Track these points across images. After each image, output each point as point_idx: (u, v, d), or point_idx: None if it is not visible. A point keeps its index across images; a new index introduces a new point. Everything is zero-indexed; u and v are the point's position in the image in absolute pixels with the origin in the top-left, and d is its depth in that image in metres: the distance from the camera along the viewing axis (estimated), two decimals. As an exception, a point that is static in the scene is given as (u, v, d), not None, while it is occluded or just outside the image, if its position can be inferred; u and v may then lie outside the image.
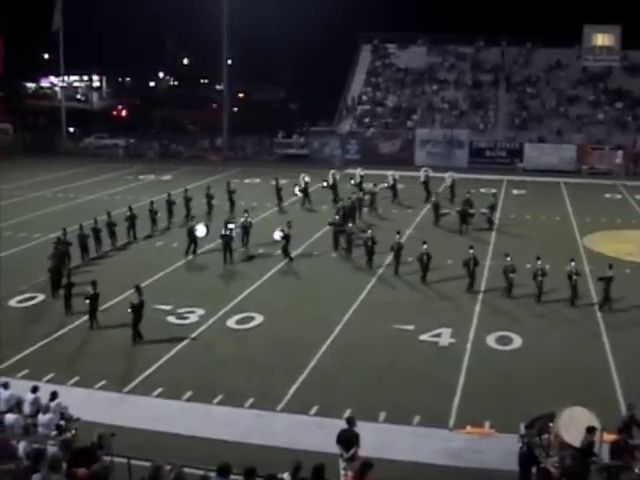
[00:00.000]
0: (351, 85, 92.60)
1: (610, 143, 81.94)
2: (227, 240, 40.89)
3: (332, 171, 59.14)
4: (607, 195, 66.18)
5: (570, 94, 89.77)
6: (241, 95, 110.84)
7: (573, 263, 35.63)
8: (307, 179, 57.02)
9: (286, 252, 41.58)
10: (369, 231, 41.08)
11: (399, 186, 59.51)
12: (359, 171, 59.50)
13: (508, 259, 36.15)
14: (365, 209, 53.58)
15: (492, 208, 52.18)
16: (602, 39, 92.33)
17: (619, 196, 65.88)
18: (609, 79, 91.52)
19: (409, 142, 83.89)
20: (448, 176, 60.70)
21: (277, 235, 41.85)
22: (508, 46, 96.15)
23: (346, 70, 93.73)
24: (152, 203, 48.07)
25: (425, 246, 37.91)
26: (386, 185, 58.27)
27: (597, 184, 71.77)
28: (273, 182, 57.25)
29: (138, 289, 30.33)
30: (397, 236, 40.32)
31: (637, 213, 55.44)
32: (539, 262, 35.38)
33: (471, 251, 36.52)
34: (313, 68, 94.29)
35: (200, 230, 42.70)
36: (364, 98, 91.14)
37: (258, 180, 66.42)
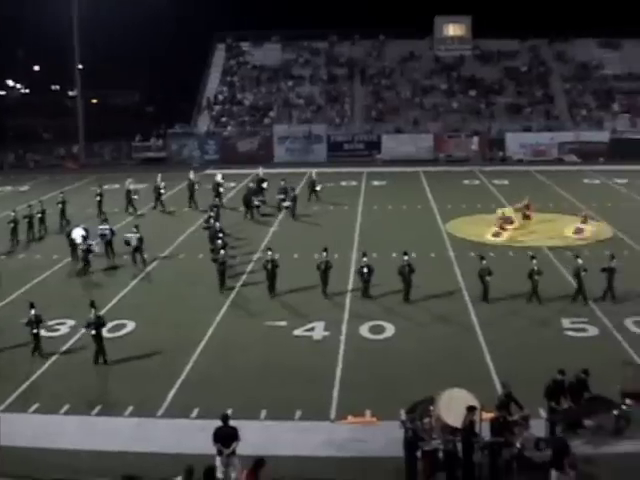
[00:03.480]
0: (206, 85, 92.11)
1: (466, 130, 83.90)
2: (86, 253, 40.08)
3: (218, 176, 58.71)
4: (466, 181, 67.63)
5: (424, 84, 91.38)
6: (95, 101, 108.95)
7: (484, 261, 34.98)
8: (162, 184, 56.28)
9: (134, 258, 41.05)
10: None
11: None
12: (219, 178, 58.37)
13: (364, 259, 35.36)
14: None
15: (294, 199, 53.41)
16: (453, 29, 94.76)
17: (477, 182, 67.39)
18: (462, 68, 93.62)
19: (267, 139, 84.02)
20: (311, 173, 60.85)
21: (132, 239, 41.08)
22: (361, 39, 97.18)
23: (201, 70, 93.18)
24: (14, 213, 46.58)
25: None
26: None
27: (455, 171, 73.32)
28: (130, 187, 56.07)
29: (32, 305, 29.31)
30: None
31: (496, 197, 56.70)
32: (406, 257, 34.87)
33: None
34: (168, 70, 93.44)
35: (77, 233, 41.92)
36: (220, 97, 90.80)
37: (117, 186, 65.46)
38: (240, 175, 66.28)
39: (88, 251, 40.20)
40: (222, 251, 36.78)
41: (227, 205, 54.64)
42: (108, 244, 42.30)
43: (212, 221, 44.22)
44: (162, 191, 56.10)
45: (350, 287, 36.15)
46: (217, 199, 53.93)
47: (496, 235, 45.27)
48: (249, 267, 40.15)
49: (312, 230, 48.64)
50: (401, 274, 34.48)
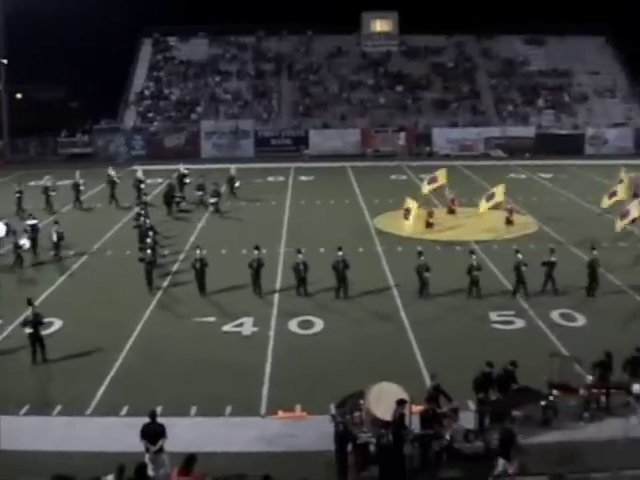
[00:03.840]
0: (133, 80, 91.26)
1: (393, 126, 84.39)
2: (16, 248, 39.52)
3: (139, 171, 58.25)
4: (393, 176, 68.00)
5: (352, 80, 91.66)
6: (19, 96, 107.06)
7: (422, 257, 34.84)
8: (81, 180, 55.53)
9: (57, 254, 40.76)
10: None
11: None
12: (140, 174, 57.94)
13: (299, 256, 34.98)
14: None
15: (217, 194, 53.37)
16: (380, 25, 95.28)
17: (404, 177, 67.80)
18: (389, 63, 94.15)
19: (194, 135, 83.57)
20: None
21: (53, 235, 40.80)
22: (289, 35, 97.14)
23: (127, 65, 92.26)
24: None
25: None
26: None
27: (382, 166, 73.67)
28: (48, 183, 55.26)
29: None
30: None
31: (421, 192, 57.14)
32: (340, 253, 34.68)
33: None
34: (94, 64, 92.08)
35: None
36: (147, 93, 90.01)
37: (42, 182, 64.36)
38: (167, 171, 65.70)
39: (17, 246, 39.67)
40: (148, 251, 36.19)
41: (151, 202, 53.95)
42: (33, 240, 41.69)
43: (142, 219, 43.55)
44: (81, 188, 55.34)
45: (279, 282, 36.10)
46: (141, 196, 53.44)
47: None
48: (177, 265, 39.82)
49: (240, 226, 48.55)
50: (335, 270, 34.30)
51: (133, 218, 46.12)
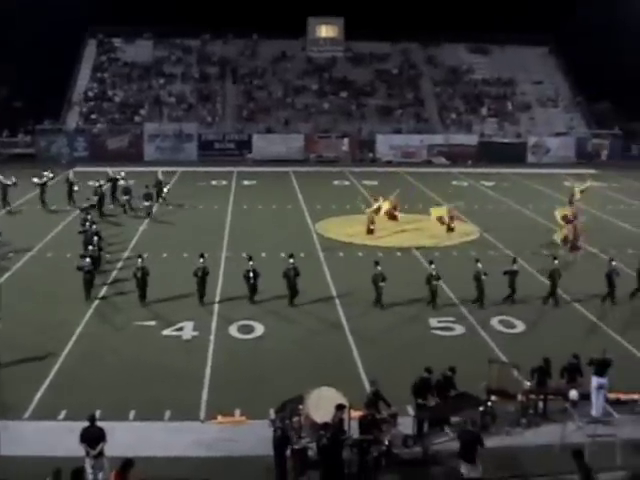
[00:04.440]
0: (77, 81, 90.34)
1: (336, 131, 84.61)
2: None
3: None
4: (336, 182, 68.20)
5: (296, 85, 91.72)
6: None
7: (378, 267, 34.27)
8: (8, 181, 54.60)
9: None
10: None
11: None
12: (72, 176, 57.29)
13: (250, 263, 34.39)
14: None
15: (149, 197, 52.80)
16: (326, 31, 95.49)
17: (347, 182, 68.02)
18: (333, 69, 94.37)
19: (138, 137, 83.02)
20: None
21: None
22: (234, 39, 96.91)
23: (71, 66, 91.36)
24: None
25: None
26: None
27: (325, 172, 73.88)
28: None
29: None
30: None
31: (365, 198, 57.26)
32: (291, 260, 34.33)
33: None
34: (37, 64, 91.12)
35: None
36: (90, 94, 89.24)
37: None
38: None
39: None
40: (87, 259, 35.04)
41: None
42: None
43: (88, 225, 42.08)
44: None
45: (219, 287, 35.92)
46: (70, 199, 53.76)
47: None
48: (118, 268, 39.38)
49: (181, 230, 48.20)
50: (287, 277, 33.93)
51: (80, 223, 44.32)
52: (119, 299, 34.71)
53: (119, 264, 40.27)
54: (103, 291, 35.78)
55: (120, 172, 57.16)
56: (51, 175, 56.81)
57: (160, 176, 58.02)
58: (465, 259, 36.30)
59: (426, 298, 33.87)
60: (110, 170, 58.02)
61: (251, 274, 34.07)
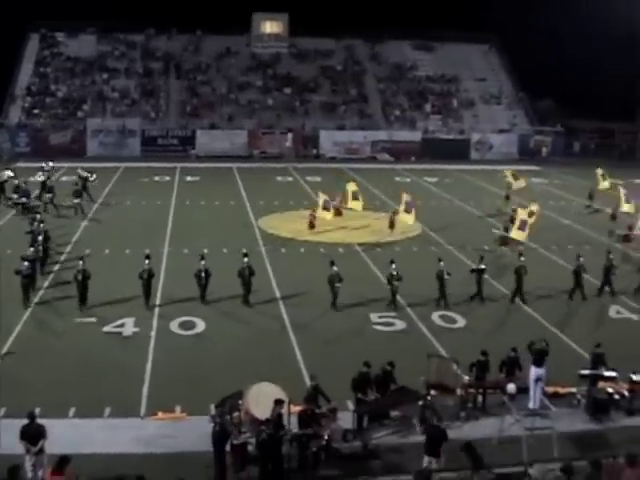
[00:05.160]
0: (19, 75, 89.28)
1: (280, 127, 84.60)
2: None
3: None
4: (279, 178, 68.29)
5: (240, 80, 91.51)
6: None
7: (334, 267, 33.82)
8: None
9: None
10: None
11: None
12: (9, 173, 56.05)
13: (202, 262, 33.82)
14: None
15: (78, 194, 52.07)
16: (270, 27, 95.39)
17: (290, 178, 68.17)
18: (278, 65, 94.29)
19: (81, 133, 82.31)
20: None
21: None
22: (178, 34, 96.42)
23: (14, 60, 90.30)
24: None
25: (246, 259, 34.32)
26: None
27: (269, 168, 73.90)
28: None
29: None
30: None
31: (308, 194, 57.38)
32: (246, 259, 33.98)
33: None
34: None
35: None
36: (33, 88, 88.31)
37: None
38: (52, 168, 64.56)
39: None
40: (25, 263, 33.18)
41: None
42: None
43: (36, 224, 40.53)
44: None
45: (161, 282, 35.63)
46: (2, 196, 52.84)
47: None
48: (57, 269, 38.78)
49: (123, 226, 47.91)
50: (241, 276, 33.60)
51: (29, 223, 42.40)
52: (59, 302, 33.67)
53: (58, 263, 39.52)
54: (41, 293, 34.82)
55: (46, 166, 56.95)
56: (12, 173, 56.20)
57: (82, 172, 56.61)
58: (407, 255, 36.45)
59: (365, 292, 34.02)
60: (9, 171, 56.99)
61: (203, 274, 33.62)
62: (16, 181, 53.17)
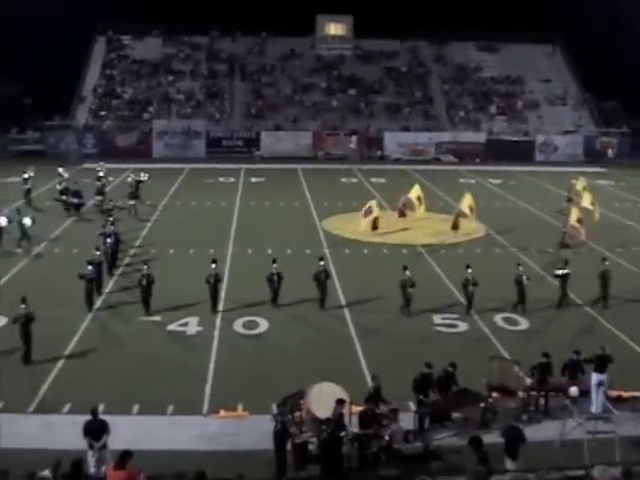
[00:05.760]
0: (86, 78, 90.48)
1: (344, 129, 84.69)
2: None
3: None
4: (343, 179, 68.29)
5: (305, 82, 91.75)
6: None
7: (407, 272, 32.90)
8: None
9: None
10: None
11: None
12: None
13: (274, 266, 33.32)
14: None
15: (133, 196, 51.88)
16: (334, 28, 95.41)
17: (355, 180, 68.13)
18: (342, 67, 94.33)
19: (146, 134, 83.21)
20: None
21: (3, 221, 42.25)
22: (243, 36, 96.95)
23: (80, 62, 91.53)
24: None
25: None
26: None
27: (333, 169, 73.93)
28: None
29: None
30: None
31: (373, 195, 57.32)
32: (322, 262, 33.82)
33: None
34: (47, 61, 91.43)
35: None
36: (100, 91, 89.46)
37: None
38: (118, 170, 65.37)
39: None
40: (89, 267, 32.85)
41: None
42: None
43: (109, 226, 39.81)
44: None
45: (225, 282, 35.73)
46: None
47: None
48: (120, 270, 39.08)
49: (188, 226, 48.22)
50: (317, 279, 33.27)
51: (102, 225, 41.61)
52: (124, 305, 33.46)
53: (123, 266, 39.68)
54: (104, 296, 34.82)
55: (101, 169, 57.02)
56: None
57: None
58: (470, 256, 36.27)
59: (429, 293, 33.89)
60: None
61: (275, 277, 33.36)
62: (65, 183, 53.34)
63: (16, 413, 23.28)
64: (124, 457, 16.28)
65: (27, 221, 42.33)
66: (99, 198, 51.87)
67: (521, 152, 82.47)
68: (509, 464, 19.08)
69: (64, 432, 21.49)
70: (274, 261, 33.81)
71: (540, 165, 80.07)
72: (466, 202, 47.02)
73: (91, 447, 19.32)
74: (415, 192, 50.06)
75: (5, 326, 30.07)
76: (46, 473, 16.05)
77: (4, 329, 29.90)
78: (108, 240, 38.30)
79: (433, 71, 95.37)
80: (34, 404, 24.01)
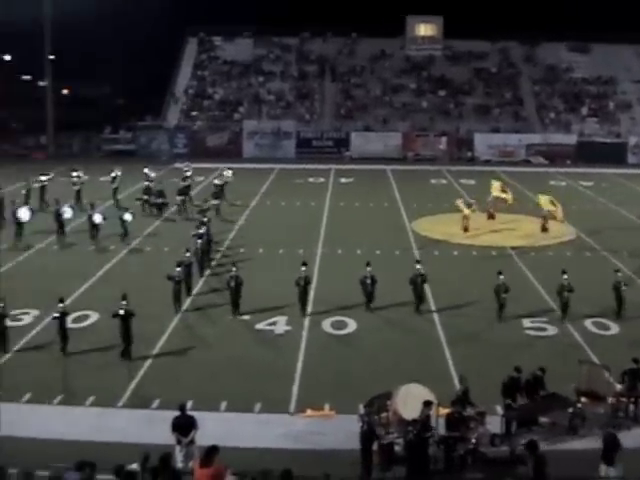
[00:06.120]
0: (177, 79, 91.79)
1: (434, 130, 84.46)
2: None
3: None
4: (433, 181, 68.11)
5: (394, 83, 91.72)
6: (66, 91, 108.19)
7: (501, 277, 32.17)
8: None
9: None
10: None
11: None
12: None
13: (368, 269, 32.93)
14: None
15: (217, 196, 51.96)
16: (424, 29, 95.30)
17: (444, 181, 67.87)
18: (432, 68, 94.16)
19: (237, 135, 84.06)
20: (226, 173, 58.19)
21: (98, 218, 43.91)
22: (333, 37, 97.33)
23: (172, 64, 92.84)
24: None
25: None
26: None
27: (423, 170, 73.78)
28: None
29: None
30: None
31: (462, 197, 57.01)
32: (418, 266, 33.38)
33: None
34: (139, 62, 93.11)
35: (24, 213, 43.46)
36: (191, 91, 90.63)
37: (87, 177, 64.31)
38: (208, 170, 66.11)
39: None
40: (178, 268, 32.82)
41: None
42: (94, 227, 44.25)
43: (202, 227, 39.88)
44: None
45: (314, 282, 35.78)
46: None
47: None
48: (215, 261, 40.04)
49: (278, 226, 48.55)
50: (413, 283, 32.95)
51: (196, 226, 40.96)
52: (212, 308, 33.61)
53: (214, 261, 40.38)
54: (193, 296, 35.05)
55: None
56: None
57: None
58: (560, 260, 35.85)
59: (518, 297, 33.58)
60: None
61: (369, 280, 32.95)
62: (147, 183, 54.04)
63: (107, 407, 23.78)
64: (210, 452, 16.48)
65: (128, 217, 44.09)
66: (180, 198, 51.81)
67: (613, 154, 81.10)
68: (604, 470, 18.85)
69: (153, 427, 21.85)
70: (368, 264, 33.39)
71: (633, 167, 78.55)
72: (542, 201, 46.88)
73: (179, 442, 19.61)
74: (494, 189, 49.76)
75: (98, 321, 30.67)
76: (134, 466, 16.34)
77: (96, 324, 30.52)
78: (199, 241, 38.40)
79: (523, 72, 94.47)
80: (124, 399, 24.44)
